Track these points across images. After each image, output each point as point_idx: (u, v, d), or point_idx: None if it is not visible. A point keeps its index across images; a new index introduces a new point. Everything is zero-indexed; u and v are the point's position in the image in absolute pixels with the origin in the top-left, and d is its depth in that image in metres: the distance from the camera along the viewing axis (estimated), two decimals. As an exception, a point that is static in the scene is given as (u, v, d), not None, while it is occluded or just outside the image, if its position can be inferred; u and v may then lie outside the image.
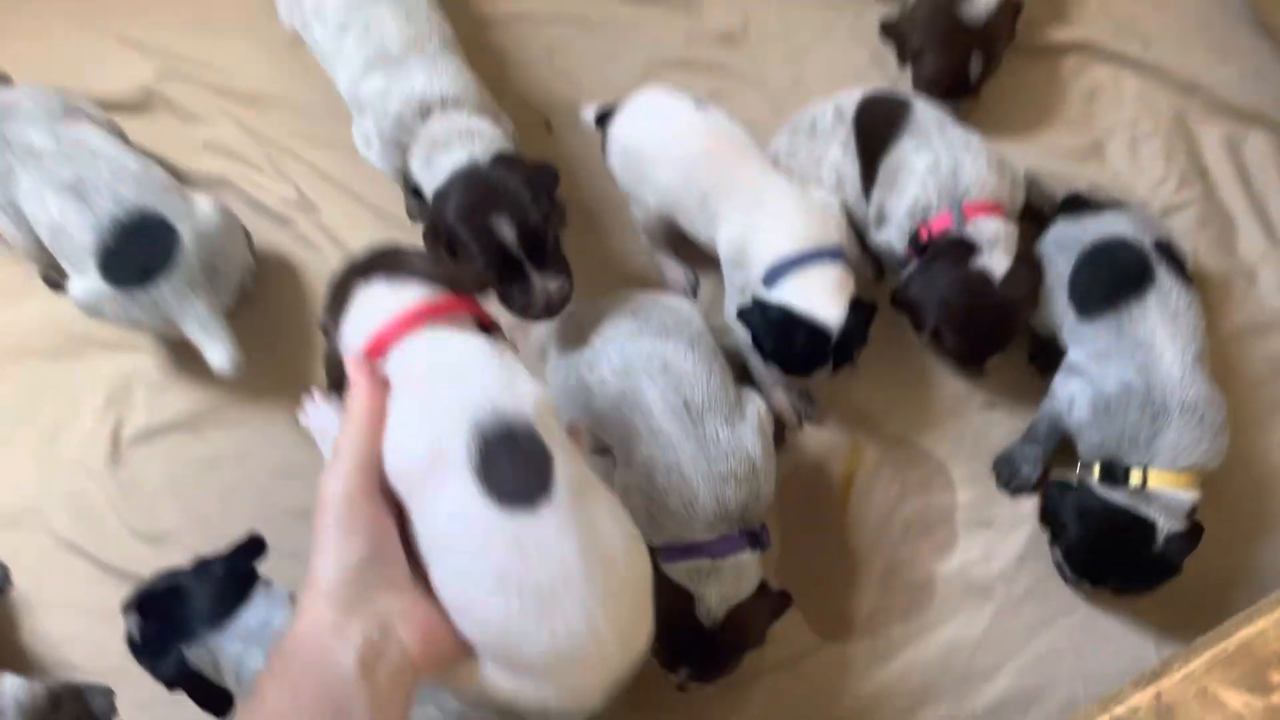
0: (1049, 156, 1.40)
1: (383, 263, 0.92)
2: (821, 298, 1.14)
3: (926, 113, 1.25)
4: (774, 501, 1.16)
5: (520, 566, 0.74)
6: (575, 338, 1.19)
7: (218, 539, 1.07)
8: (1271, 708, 1.02)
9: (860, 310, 1.16)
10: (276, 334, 1.36)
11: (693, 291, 1.34)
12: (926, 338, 1.24)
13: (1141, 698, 1.05)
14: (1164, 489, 1.11)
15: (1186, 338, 1.14)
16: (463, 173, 1.15)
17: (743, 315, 1.18)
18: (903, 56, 1.42)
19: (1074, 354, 1.21)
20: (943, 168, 1.20)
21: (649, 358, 1.12)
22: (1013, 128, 1.42)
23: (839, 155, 1.27)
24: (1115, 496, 1.13)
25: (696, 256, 1.32)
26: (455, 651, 0.77)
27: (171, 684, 1.03)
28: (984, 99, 1.41)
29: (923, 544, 1.29)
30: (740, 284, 1.20)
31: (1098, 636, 1.24)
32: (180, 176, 1.41)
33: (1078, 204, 1.28)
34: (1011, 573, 1.28)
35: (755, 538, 1.12)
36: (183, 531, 1.28)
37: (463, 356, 0.84)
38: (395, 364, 0.84)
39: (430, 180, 1.19)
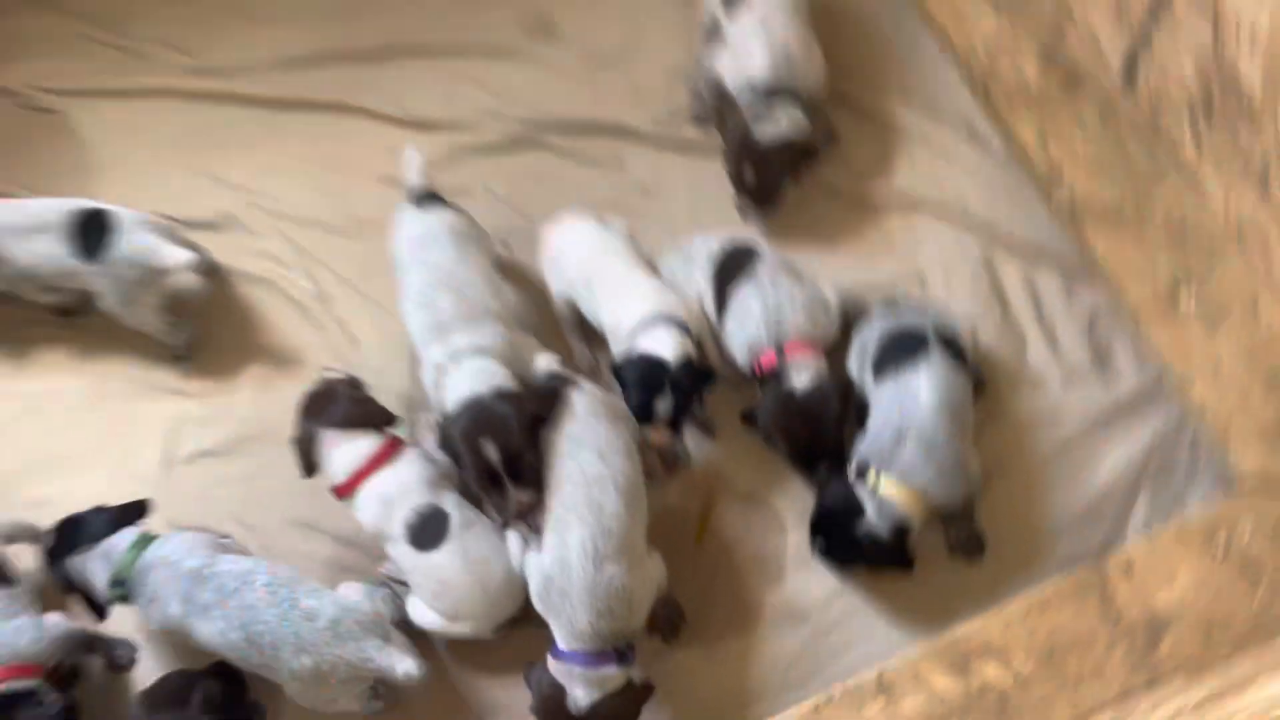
0: (880, 281, 1.81)
1: (330, 415, 1.52)
2: (663, 345, 1.56)
3: (767, 263, 1.67)
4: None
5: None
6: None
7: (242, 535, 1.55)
8: (969, 689, 1.38)
9: (691, 366, 1.56)
10: (287, 385, 1.82)
11: (594, 366, 1.77)
12: (766, 441, 1.65)
13: (868, 676, 1.42)
14: (887, 495, 1.50)
15: (944, 397, 1.52)
16: (469, 403, 1.52)
17: (614, 367, 1.61)
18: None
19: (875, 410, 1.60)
20: (771, 316, 1.62)
21: (585, 487, 1.47)
22: (852, 258, 1.83)
23: (703, 283, 1.70)
24: (857, 487, 1.52)
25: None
26: None
27: (64, 587, 1.58)
28: (831, 237, 1.84)
29: (757, 575, 1.67)
30: (616, 352, 1.63)
31: (889, 650, 1.59)
32: (229, 272, 1.93)
33: (889, 304, 1.69)
34: (825, 603, 1.65)
35: (622, 655, 1.45)
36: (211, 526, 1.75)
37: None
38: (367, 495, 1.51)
39: (437, 396, 1.60)
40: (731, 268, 1.67)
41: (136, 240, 1.76)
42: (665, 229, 1.87)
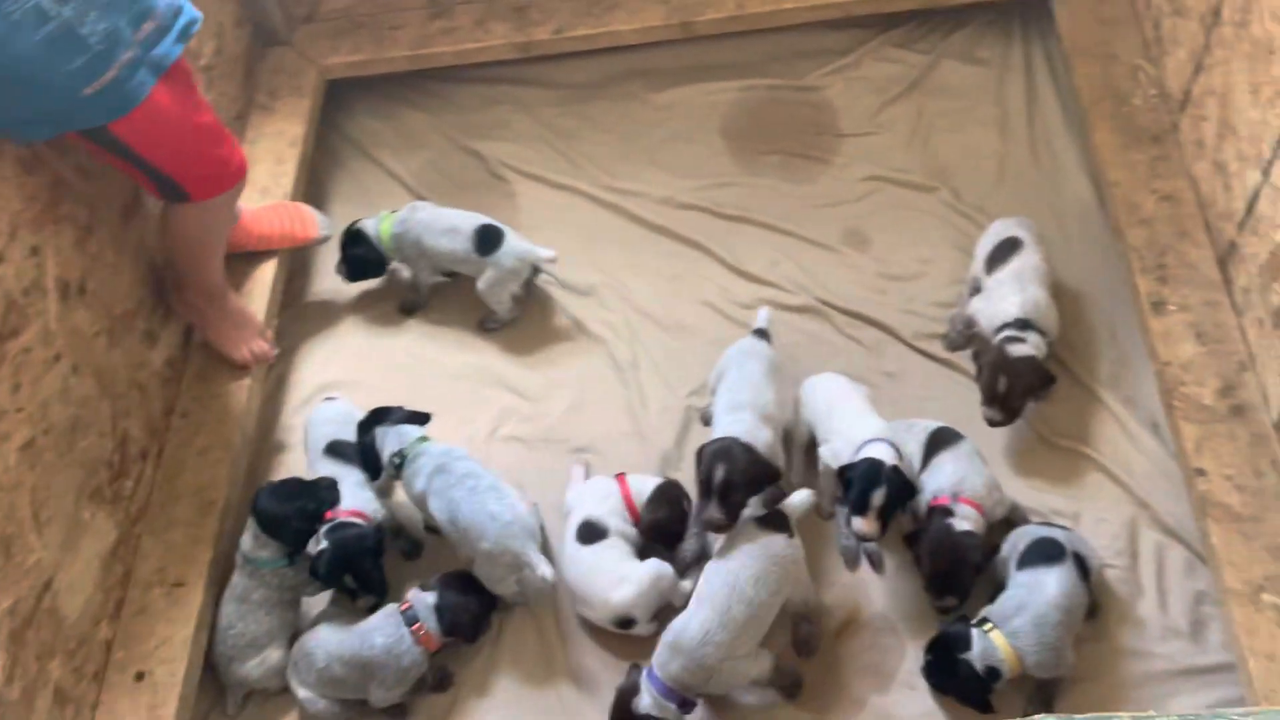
0: (1044, 508, 2.30)
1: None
2: (882, 454, 2.10)
3: (965, 447, 2.23)
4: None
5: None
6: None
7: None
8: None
9: (901, 473, 2.09)
10: (590, 415, 2.52)
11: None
12: (917, 565, 2.17)
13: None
14: (993, 641, 1.99)
15: (1064, 595, 1.99)
16: (725, 438, 2.09)
17: (840, 470, 2.13)
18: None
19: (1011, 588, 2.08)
20: (958, 475, 2.17)
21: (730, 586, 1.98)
22: (1029, 487, 2.33)
23: (914, 445, 2.27)
24: (971, 631, 2.02)
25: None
26: None
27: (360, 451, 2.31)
28: (1018, 463, 2.35)
29: (869, 679, 2.17)
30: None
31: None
32: (582, 327, 2.69)
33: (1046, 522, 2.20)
34: (916, 716, 2.12)
35: (686, 703, 1.96)
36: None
37: None
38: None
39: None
40: (941, 439, 2.24)
41: (517, 245, 2.60)
42: (895, 410, 2.45)
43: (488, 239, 2.61)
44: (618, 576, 2.16)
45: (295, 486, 2.21)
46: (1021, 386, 2.25)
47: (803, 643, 2.17)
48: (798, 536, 2.09)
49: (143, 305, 2.40)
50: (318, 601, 2.30)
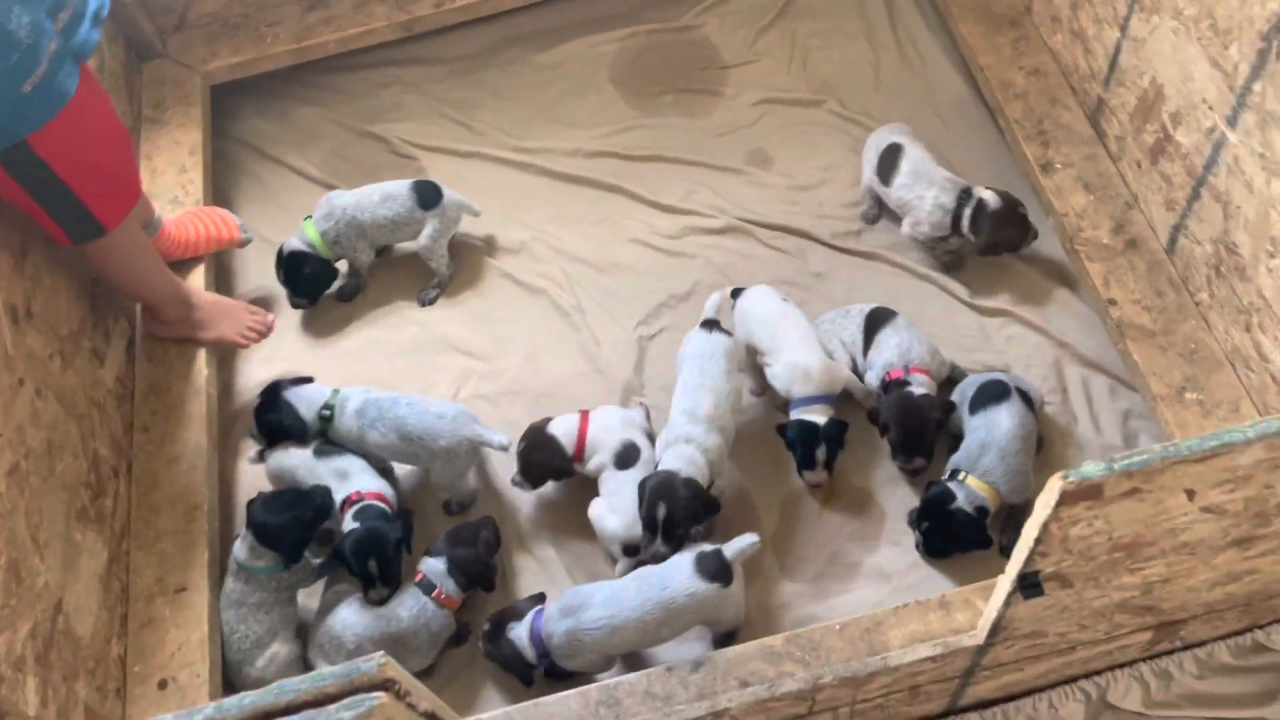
0: (976, 363, 2.52)
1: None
2: (817, 417, 2.28)
3: (903, 320, 2.42)
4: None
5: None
6: None
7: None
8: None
9: (836, 424, 2.28)
10: (548, 363, 2.62)
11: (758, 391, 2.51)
12: (883, 435, 2.35)
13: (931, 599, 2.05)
14: (971, 486, 2.17)
15: (1018, 425, 2.20)
16: (666, 472, 2.16)
17: (778, 428, 2.32)
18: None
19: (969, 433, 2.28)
20: (902, 348, 2.36)
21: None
22: (958, 348, 2.55)
23: (854, 329, 2.45)
24: (950, 485, 2.19)
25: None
26: None
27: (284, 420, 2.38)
28: (945, 331, 2.56)
29: (858, 543, 2.34)
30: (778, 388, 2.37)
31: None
32: (521, 282, 2.77)
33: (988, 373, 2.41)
34: (905, 570, 2.30)
35: (545, 656, 2.09)
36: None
37: None
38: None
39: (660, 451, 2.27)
40: (878, 318, 2.42)
41: (455, 198, 2.70)
42: (828, 304, 2.63)
43: (429, 194, 2.68)
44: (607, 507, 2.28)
45: (290, 497, 2.21)
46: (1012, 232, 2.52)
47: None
48: (738, 581, 2.10)
49: (84, 324, 2.36)
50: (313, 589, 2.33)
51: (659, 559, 2.12)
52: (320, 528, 2.23)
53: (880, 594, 2.29)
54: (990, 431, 2.22)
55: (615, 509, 2.25)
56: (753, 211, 2.84)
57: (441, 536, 2.26)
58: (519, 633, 2.11)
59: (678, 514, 2.11)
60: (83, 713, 1.96)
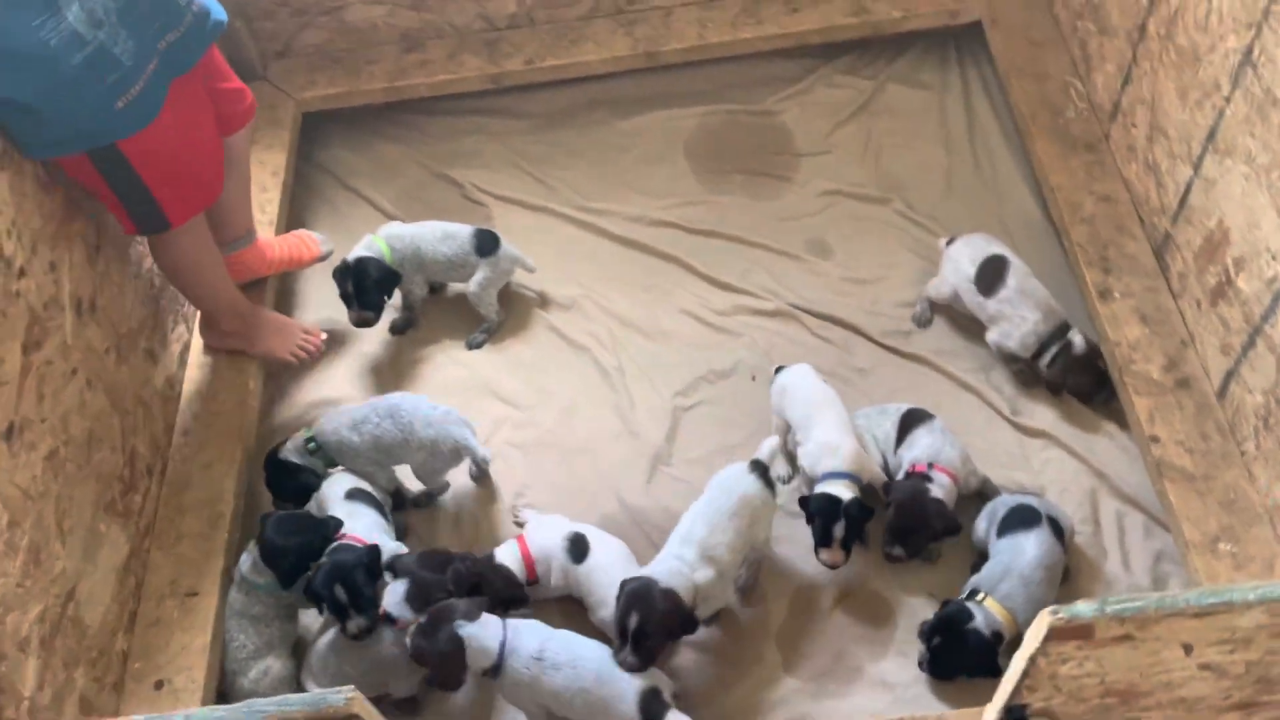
0: (1012, 483, 2.48)
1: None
2: (840, 492, 2.24)
3: (936, 424, 2.40)
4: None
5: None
6: None
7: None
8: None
9: (860, 504, 2.24)
10: (583, 420, 2.65)
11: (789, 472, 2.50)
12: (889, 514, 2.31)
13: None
14: (989, 609, 2.12)
15: (1044, 555, 2.16)
16: (642, 583, 2.06)
17: (800, 500, 2.30)
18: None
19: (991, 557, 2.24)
20: (934, 448, 2.34)
21: None
22: (997, 465, 2.52)
23: (889, 426, 2.44)
24: (969, 605, 2.14)
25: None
26: None
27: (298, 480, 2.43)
28: (985, 446, 2.53)
29: (865, 648, 2.30)
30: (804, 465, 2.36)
31: None
32: (566, 337, 2.81)
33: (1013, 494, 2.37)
34: (909, 684, 2.25)
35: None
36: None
37: None
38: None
39: None
40: (914, 418, 2.41)
41: (511, 251, 2.77)
42: (867, 400, 2.62)
43: (486, 242, 2.75)
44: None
45: (304, 522, 2.24)
46: (1092, 376, 2.52)
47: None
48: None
49: (144, 325, 2.45)
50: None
51: (628, 669, 2.03)
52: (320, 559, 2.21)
53: (880, 704, 2.24)
54: (1015, 557, 2.18)
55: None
56: (805, 299, 2.85)
57: (393, 563, 2.24)
58: (476, 632, 2.03)
59: (649, 625, 2.02)
60: (77, 701, 2.00)
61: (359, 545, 2.21)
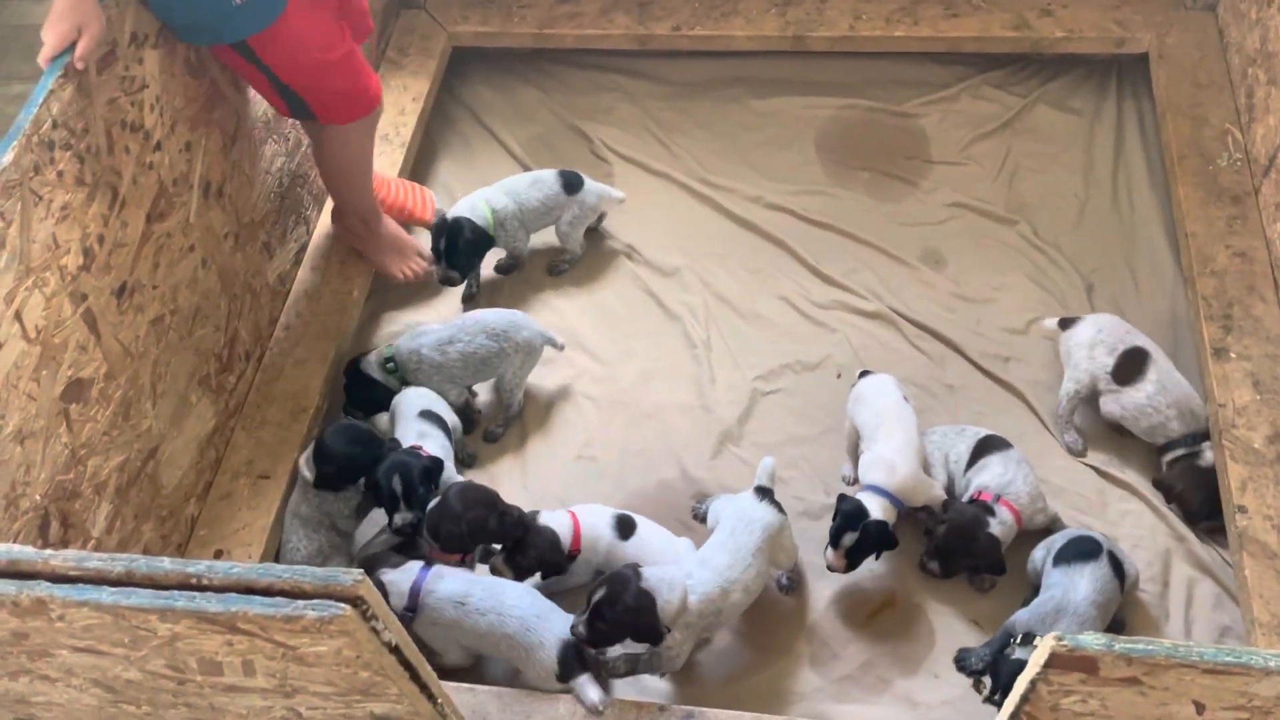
0: (1083, 523, 2.40)
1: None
2: (874, 507, 2.20)
3: (1013, 453, 2.34)
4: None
5: None
6: None
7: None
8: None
9: (885, 527, 2.19)
10: (660, 382, 2.67)
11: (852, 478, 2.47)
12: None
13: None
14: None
15: (1098, 593, 2.08)
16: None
17: (840, 496, 2.24)
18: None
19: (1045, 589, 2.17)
20: (1004, 478, 2.28)
21: None
22: (1071, 506, 2.43)
23: (963, 448, 2.38)
24: (1012, 647, 2.07)
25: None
26: None
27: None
28: (1062, 486, 2.45)
29: (896, 661, 2.27)
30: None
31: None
32: (662, 303, 2.84)
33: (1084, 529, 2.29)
34: (939, 704, 2.21)
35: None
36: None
37: None
38: None
39: None
40: (991, 444, 2.35)
41: (596, 187, 2.82)
42: (949, 419, 2.56)
43: (573, 181, 2.83)
44: None
45: (362, 435, 2.30)
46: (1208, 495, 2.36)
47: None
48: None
49: (266, 219, 2.58)
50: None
51: (576, 638, 2.02)
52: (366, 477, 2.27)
53: (902, 719, 2.21)
54: (1068, 593, 2.10)
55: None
56: (908, 306, 2.80)
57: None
58: (395, 578, 2.09)
59: (607, 610, 1.97)
60: (141, 551, 2.14)
61: (419, 453, 2.29)
